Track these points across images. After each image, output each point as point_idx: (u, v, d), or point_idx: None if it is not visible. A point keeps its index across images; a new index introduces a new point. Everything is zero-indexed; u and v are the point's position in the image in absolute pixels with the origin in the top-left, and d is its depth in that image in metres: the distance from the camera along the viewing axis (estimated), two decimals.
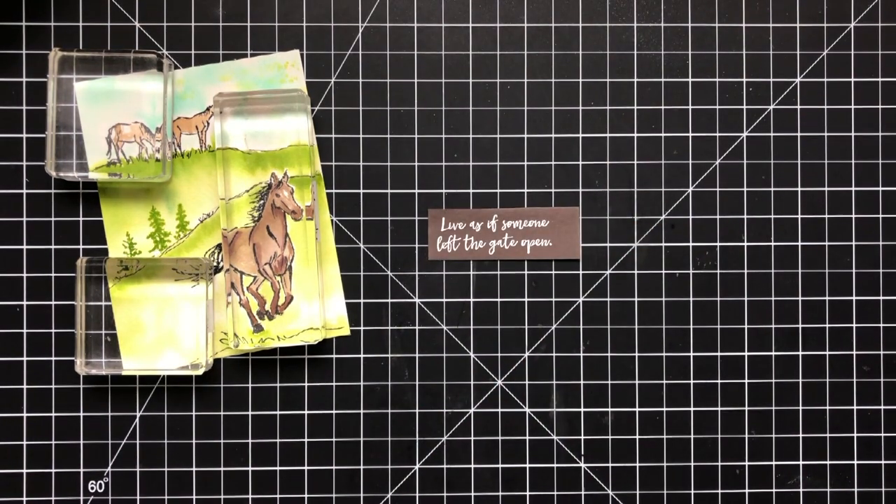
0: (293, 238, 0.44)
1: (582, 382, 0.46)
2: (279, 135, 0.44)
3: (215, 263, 0.45)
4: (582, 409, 0.46)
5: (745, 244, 0.46)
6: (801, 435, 0.46)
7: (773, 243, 0.46)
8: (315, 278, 0.44)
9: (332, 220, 0.45)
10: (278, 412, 0.45)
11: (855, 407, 0.46)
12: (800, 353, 0.46)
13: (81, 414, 0.45)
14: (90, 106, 0.44)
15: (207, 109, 0.45)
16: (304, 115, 0.44)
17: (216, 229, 0.45)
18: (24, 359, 0.45)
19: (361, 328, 0.45)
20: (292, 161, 0.44)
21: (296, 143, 0.44)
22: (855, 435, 0.46)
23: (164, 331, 0.44)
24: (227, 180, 0.44)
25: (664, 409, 0.46)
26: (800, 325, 0.46)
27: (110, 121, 0.44)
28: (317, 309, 0.44)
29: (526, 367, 0.45)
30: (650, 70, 0.46)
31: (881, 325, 0.46)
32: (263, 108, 0.44)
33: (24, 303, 0.45)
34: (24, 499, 0.45)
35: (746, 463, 0.46)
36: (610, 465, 0.46)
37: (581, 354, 0.46)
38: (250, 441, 0.45)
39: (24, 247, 0.45)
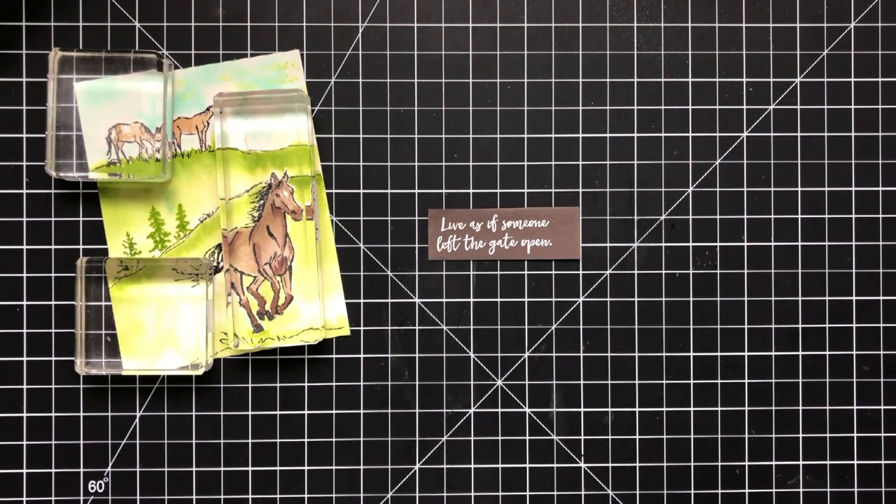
0: (293, 238, 0.44)
1: (582, 382, 0.46)
2: (279, 135, 0.44)
3: (215, 263, 0.45)
4: (582, 409, 0.46)
5: (745, 244, 0.46)
6: (801, 435, 0.46)
7: (773, 243, 0.46)
8: (315, 278, 0.44)
9: (332, 220, 0.45)
10: (278, 412, 0.45)
11: (855, 407, 0.46)
12: (800, 353, 0.46)
13: (81, 414, 0.45)
14: (90, 106, 0.44)
15: (207, 109, 0.45)
16: (304, 115, 0.44)
17: (216, 229, 0.45)
18: (24, 359, 0.45)
19: (361, 328, 0.45)
20: (292, 161, 0.44)
21: (296, 143, 0.44)
22: (855, 435, 0.46)
23: (164, 331, 0.44)
24: (227, 180, 0.44)
25: (664, 409, 0.46)
26: (800, 325, 0.46)
27: (110, 121, 0.44)
28: (317, 309, 0.44)
29: (526, 367, 0.45)
30: (650, 70, 0.46)
31: (881, 325, 0.46)
32: (263, 108, 0.44)
33: (24, 303, 0.45)
34: (24, 499, 0.45)
35: (746, 463, 0.46)
36: (610, 465, 0.46)
37: (581, 354, 0.46)
38: (250, 441, 0.45)
39: (24, 247, 0.45)
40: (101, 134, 0.44)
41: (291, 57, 0.45)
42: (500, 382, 0.46)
